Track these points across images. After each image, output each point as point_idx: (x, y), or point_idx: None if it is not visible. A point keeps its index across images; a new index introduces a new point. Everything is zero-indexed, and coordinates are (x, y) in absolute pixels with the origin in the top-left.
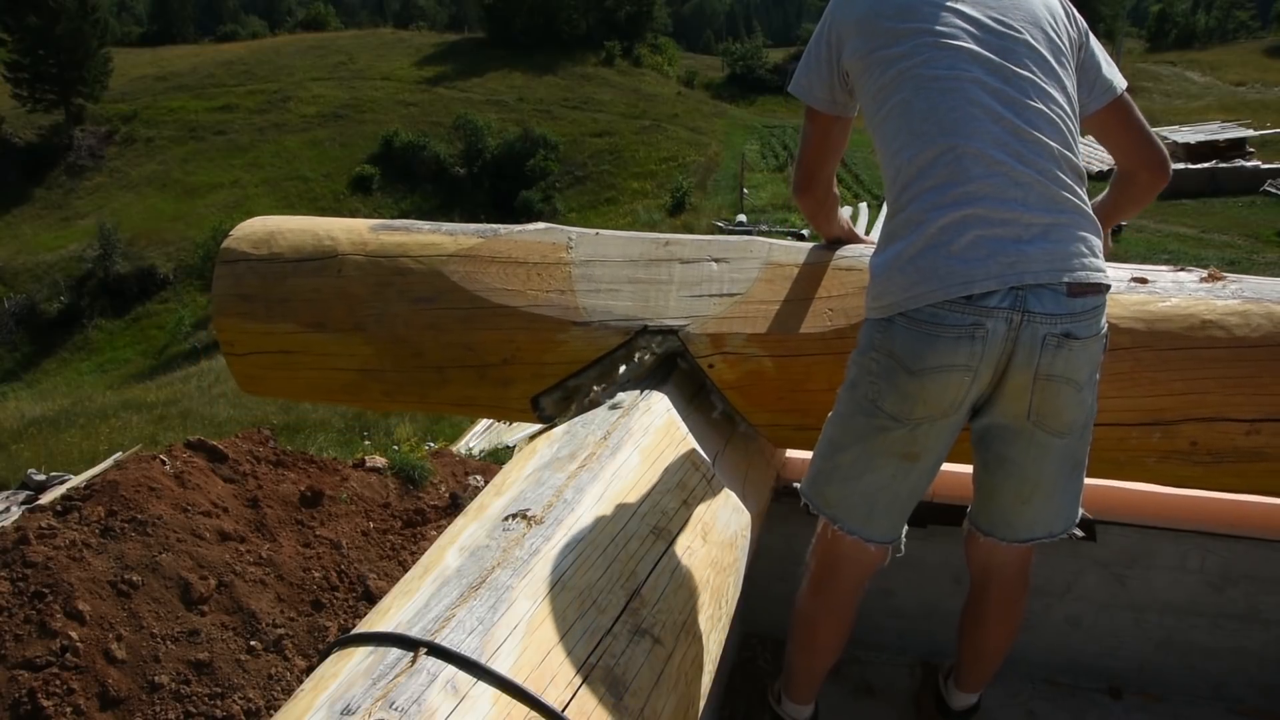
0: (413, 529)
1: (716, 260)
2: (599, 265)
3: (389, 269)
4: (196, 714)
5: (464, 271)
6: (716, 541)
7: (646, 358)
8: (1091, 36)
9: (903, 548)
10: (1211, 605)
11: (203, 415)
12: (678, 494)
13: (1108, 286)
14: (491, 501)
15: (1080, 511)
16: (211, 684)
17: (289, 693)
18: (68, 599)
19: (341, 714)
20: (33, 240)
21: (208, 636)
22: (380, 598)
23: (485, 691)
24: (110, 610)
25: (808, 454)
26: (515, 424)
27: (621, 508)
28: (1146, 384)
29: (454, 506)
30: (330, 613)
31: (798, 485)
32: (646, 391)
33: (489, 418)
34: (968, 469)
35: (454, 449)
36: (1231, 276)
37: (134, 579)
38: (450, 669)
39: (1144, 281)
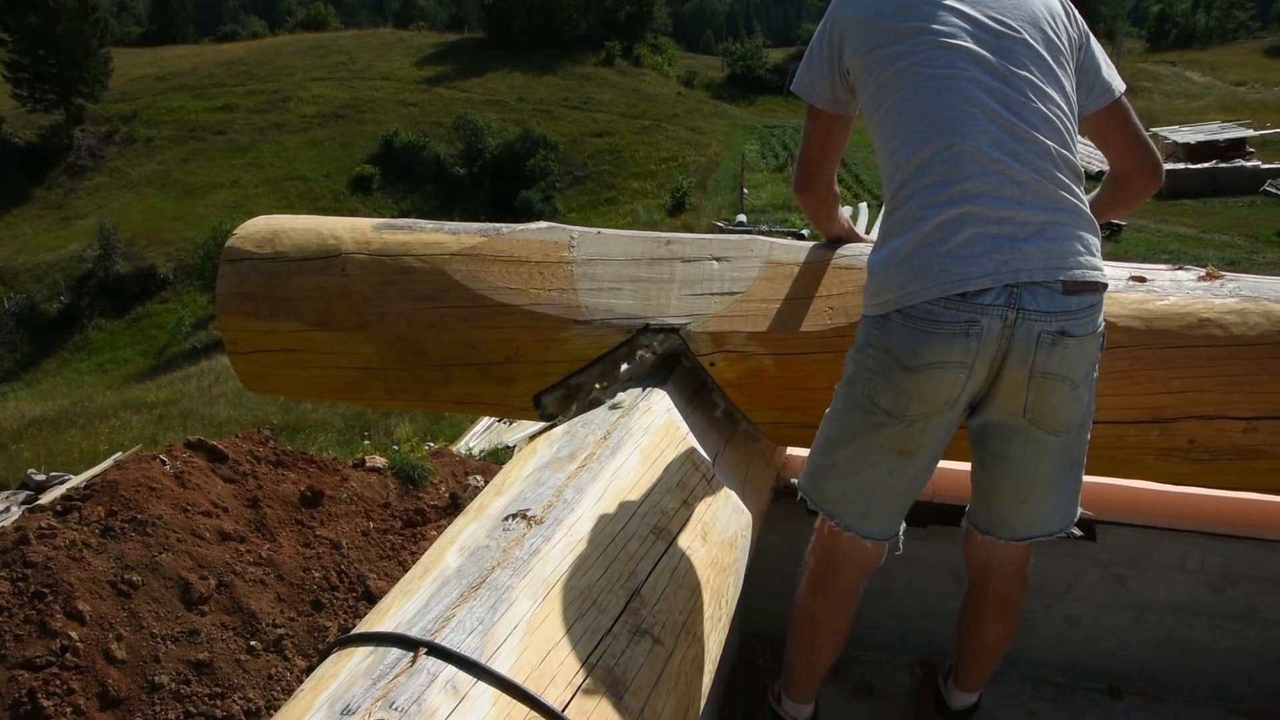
0: (413, 529)
1: (717, 259)
2: (601, 264)
3: (392, 268)
4: (196, 714)
5: (467, 270)
6: (716, 541)
7: (648, 356)
8: (1092, 38)
9: (901, 546)
10: (1211, 605)
11: (203, 415)
12: (678, 494)
13: (1105, 285)
14: (491, 501)
15: (1079, 510)
16: (211, 684)
17: (289, 693)
18: (68, 599)
19: (341, 714)
20: (33, 240)
21: (208, 636)
22: (380, 598)
23: (485, 691)
24: (110, 610)
25: (808, 452)
26: (515, 424)
27: (621, 507)
28: (1145, 382)
29: (454, 506)
30: (330, 613)
31: (796, 482)
32: (647, 391)
33: (491, 416)
34: (967, 468)
35: (454, 449)
36: (1229, 275)
37: (134, 579)
38: (450, 669)
39: (1142, 280)
